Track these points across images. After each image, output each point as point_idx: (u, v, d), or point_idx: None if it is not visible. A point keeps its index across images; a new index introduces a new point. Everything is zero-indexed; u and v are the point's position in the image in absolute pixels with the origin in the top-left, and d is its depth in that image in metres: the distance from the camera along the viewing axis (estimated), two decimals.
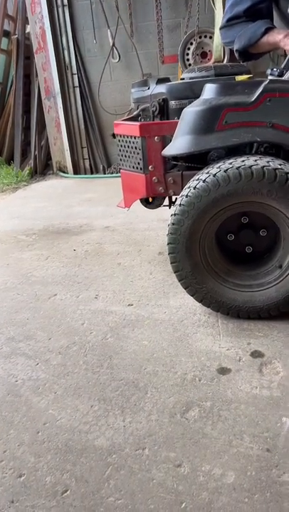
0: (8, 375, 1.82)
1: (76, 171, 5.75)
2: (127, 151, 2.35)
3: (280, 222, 1.90)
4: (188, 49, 4.85)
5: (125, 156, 2.38)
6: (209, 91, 1.95)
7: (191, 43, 4.83)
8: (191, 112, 1.95)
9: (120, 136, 2.38)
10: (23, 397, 1.68)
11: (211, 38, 4.76)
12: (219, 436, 1.43)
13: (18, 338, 2.08)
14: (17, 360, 1.91)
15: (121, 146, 2.39)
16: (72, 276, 2.72)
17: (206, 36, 4.81)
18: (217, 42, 4.48)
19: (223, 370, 1.73)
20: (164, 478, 1.30)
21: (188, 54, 4.87)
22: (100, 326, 2.13)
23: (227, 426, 1.46)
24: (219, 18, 4.37)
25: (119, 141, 2.40)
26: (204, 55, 4.84)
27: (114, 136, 2.51)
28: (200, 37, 4.79)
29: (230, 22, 2.35)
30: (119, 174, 2.50)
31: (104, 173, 5.67)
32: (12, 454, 1.43)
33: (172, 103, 2.25)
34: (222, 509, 1.19)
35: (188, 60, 4.88)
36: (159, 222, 3.52)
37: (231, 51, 4.64)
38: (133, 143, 2.27)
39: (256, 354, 1.81)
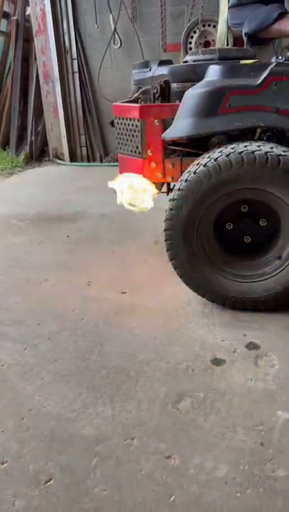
0: None
1: (73, 158, 5.65)
2: (125, 135, 2.27)
3: (280, 211, 1.84)
4: (192, 38, 4.75)
5: (123, 140, 2.30)
6: (213, 72, 1.88)
7: (195, 32, 4.73)
8: (193, 93, 1.88)
9: (119, 118, 2.30)
10: (9, 383, 1.62)
11: (214, 27, 4.66)
12: (211, 428, 1.37)
13: (6, 323, 2.01)
14: (4, 345, 1.84)
15: (119, 129, 2.31)
16: (64, 263, 2.64)
17: (209, 25, 4.70)
18: (221, 31, 4.38)
19: (218, 361, 1.68)
20: (153, 470, 1.24)
21: (191, 43, 4.77)
22: (92, 313, 2.07)
23: (220, 418, 1.41)
24: (224, 7, 4.27)
25: (117, 123, 2.32)
26: (207, 45, 4.73)
27: (112, 124, 2.42)
28: (204, 25, 4.68)
29: (241, 1, 2.25)
30: (116, 163, 2.42)
31: (102, 162, 5.57)
32: None
33: (174, 85, 2.17)
34: (213, 503, 1.14)
35: (190, 49, 4.77)
36: (155, 211, 3.43)
37: (235, 41, 4.56)
38: (132, 126, 2.19)
39: (252, 346, 1.76)
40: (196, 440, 1.33)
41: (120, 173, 2.35)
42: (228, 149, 1.75)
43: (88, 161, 5.65)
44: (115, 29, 4.99)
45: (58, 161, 5.69)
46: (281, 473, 1.21)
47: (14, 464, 1.29)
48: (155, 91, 2.19)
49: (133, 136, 2.20)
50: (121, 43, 5.05)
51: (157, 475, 1.23)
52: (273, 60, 2.10)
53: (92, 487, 1.20)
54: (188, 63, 2.20)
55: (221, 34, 4.45)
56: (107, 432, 1.38)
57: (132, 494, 1.18)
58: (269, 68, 1.76)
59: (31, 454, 1.32)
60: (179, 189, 1.82)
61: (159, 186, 2.41)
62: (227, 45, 4.45)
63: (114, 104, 2.34)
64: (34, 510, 1.15)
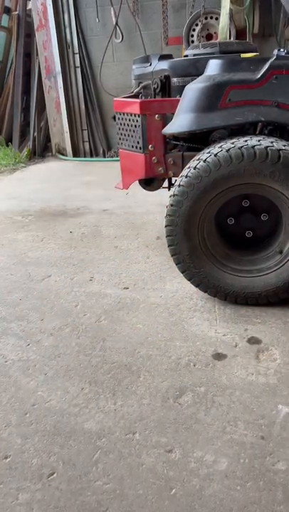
0: None
1: (76, 153, 5.65)
2: (126, 130, 2.28)
3: (282, 205, 1.83)
4: (194, 30, 4.71)
5: (124, 135, 2.30)
6: (213, 67, 1.87)
7: (197, 24, 4.69)
8: (193, 88, 1.87)
9: (120, 113, 2.30)
10: (12, 378, 1.64)
11: (216, 19, 4.61)
12: (212, 422, 1.38)
13: (10, 319, 2.03)
14: (7, 341, 1.86)
15: (120, 124, 2.32)
16: (67, 258, 2.66)
17: (211, 17, 4.66)
18: (223, 24, 4.35)
19: (219, 356, 1.69)
20: (154, 464, 1.26)
21: (193, 36, 4.73)
22: (94, 308, 2.08)
23: (221, 412, 1.42)
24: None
25: (118, 119, 2.32)
26: (209, 37, 4.70)
27: (115, 118, 2.43)
28: (206, 18, 4.65)
29: None
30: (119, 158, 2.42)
31: (104, 157, 5.57)
32: None
33: (175, 80, 2.17)
34: (213, 496, 1.15)
35: (192, 41, 4.74)
36: (157, 206, 3.45)
37: (237, 33, 4.52)
38: (133, 121, 2.19)
39: (253, 340, 1.77)
40: (197, 434, 1.34)
41: (121, 171, 2.36)
42: (228, 144, 1.75)
43: (91, 155, 5.65)
44: (117, 22, 4.96)
45: (61, 156, 5.70)
46: (281, 467, 1.22)
47: (17, 458, 1.31)
48: (155, 86, 2.19)
49: (134, 131, 2.20)
50: (122, 37, 5.03)
51: (158, 468, 1.24)
52: (275, 52, 2.08)
53: (94, 480, 1.22)
54: (189, 57, 2.19)
55: (223, 26, 4.41)
56: (109, 426, 1.40)
57: (133, 487, 1.19)
58: (269, 62, 1.75)
59: (34, 448, 1.34)
60: (179, 185, 1.82)
61: (160, 182, 2.42)
62: (229, 37, 4.42)
63: (115, 99, 2.34)
64: (37, 503, 1.17)
